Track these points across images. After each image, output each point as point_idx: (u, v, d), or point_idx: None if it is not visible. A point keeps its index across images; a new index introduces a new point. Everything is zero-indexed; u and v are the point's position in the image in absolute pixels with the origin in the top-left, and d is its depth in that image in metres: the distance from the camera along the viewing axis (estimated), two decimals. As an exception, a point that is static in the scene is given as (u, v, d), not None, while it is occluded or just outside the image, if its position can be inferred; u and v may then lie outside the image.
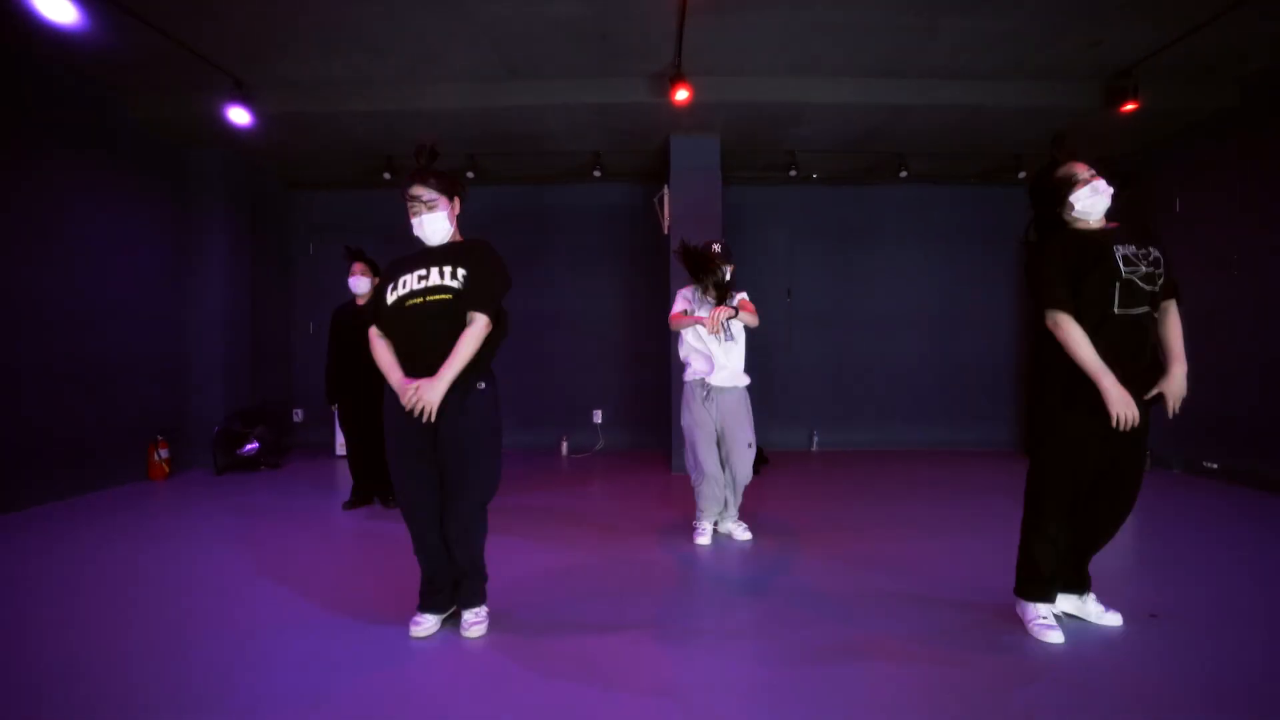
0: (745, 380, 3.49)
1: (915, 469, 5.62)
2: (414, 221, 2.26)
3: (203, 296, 5.72)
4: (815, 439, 6.64)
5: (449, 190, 2.31)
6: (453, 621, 2.40)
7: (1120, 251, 2.10)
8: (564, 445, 6.50)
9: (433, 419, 2.11)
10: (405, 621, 2.35)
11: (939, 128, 5.41)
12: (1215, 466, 5.07)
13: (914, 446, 6.70)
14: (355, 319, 3.99)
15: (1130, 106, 4.62)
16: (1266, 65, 4.56)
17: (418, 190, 2.25)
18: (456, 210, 2.36)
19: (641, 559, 3.20)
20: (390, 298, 2.21)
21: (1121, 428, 2.07)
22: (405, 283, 2.21)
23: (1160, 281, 2.12)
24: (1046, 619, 2.29)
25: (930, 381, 6.77)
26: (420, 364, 2.16)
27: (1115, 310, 2.08)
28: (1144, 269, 2.09)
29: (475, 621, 2.33)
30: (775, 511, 4.09)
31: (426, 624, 2.32)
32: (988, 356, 6.78)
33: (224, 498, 4.62)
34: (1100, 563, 2.52)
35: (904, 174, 5.99)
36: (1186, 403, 2.17)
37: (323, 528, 3.81)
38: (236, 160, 5.93)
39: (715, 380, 3.39)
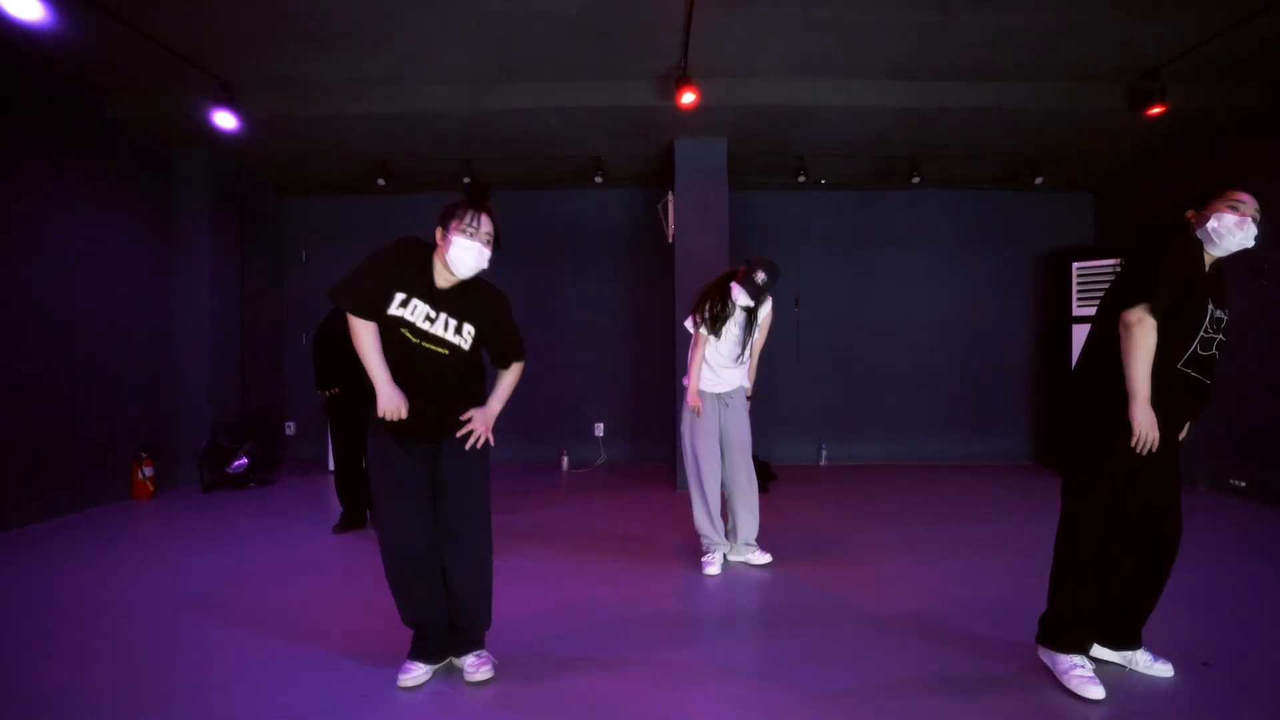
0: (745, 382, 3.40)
1: (929, 485, 5.40)
2: (459, 241, 1.98)
3: (189, 305, 5.51)
4: (824, 453, 6.42)
5: (497, 243, 2.12)
6: (445, 669, 2.19)
7: (1212, 311, 2.00)
8: (564, 459, 6.29)
9: (489, 442, 2.14)
10: (395, 663, 2.14)
11: (954, 130, 5.20)
12: (1243, 485, 4.87)
13: (926, 460, 6.48)
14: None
15: (1157, 110, 4.42)
16: (1299, 65, 4.36)
17: (487, 224, 2.04)
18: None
19: (652, 590, 2.99)
20: (394, 307, 2.01)
21: (1139, 450, 1.93)
22: (414, 308, 2.02)
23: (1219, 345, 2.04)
24: (1085, 670, 2.05)
25: (943, 392, 6.56)
26: (412, 411, 2.03)
27: (1190, 362, 2.01)
28: (1217, 336, 2.02)
29: (481, 664, 2.14)
30: (786, 532, 3.87)
31: (417, 673, 2.11)
32: (1002, 367, 6.57)
33: (209, 518, 4.40)
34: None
35: (916, 179, 5.78)
36: (1212, 416, 2.02)
37: (310, 552, 3.60)
38: (224, 164, 5.73)
39: (717, 390, 3.32)
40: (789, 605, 2.81)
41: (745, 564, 3.33)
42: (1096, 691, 1.98)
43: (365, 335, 2.01)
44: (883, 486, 5.35)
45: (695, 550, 3.46)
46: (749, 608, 2.82)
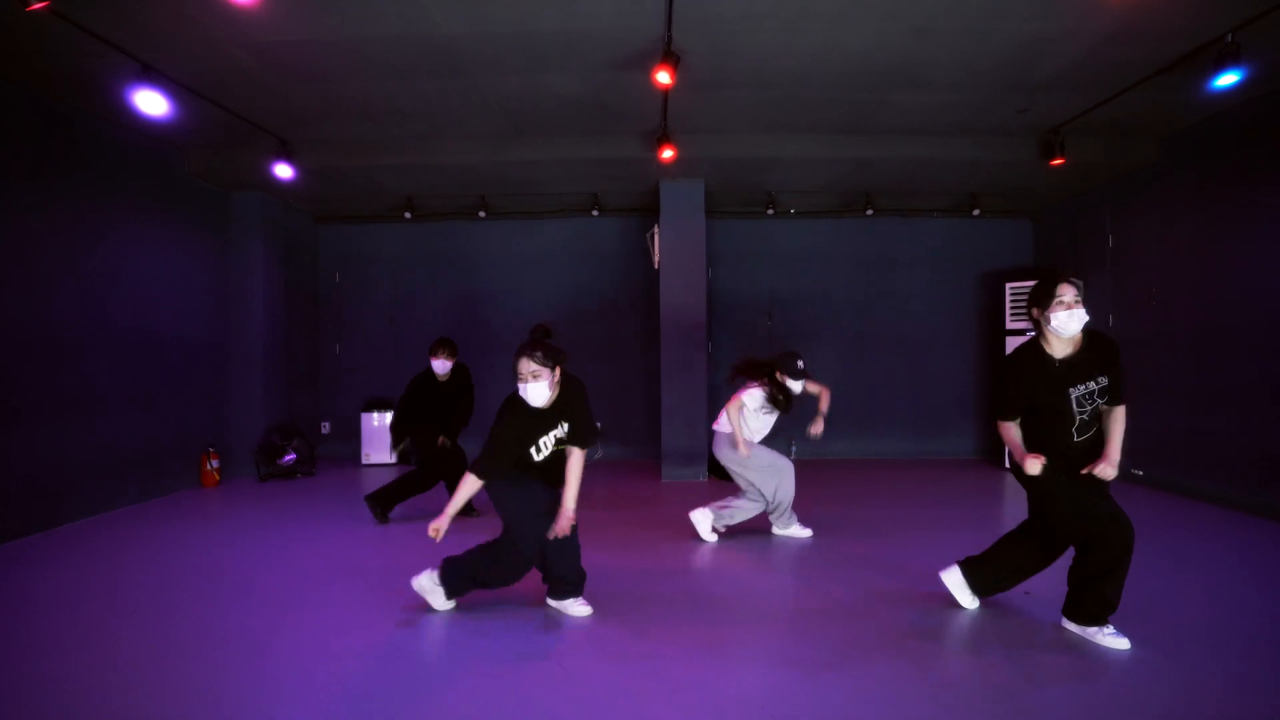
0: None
1: (893, 476, 6.31)
2: (521, 389, 2.73)
3: (244, 323, 6.42)
4: (793, 449, 7.33)
5: (555, 356, 2.79)
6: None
7: (1074, 394, 2.53)
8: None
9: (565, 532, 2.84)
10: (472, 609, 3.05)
11: (900, 174, 6.11)
12: (1141, 474, 5.77)
13: (887, 456, 7.39)
14: (433, 388, 4.69)
15: (1058, 161, 5.32)
16: (1179, 128, 5.25)
17: (525, 366, 2.72)
18: (557, 378, 2.80)
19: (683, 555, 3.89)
20: (536, 456, 2.83)
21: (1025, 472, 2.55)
22: (545, 444, 2.84)
23: (1105, 400, 2.57)
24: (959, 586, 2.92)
25: (898, 397, 7.46)
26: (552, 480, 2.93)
27: (1074, 441, 2.59)
28: (1090, 407, 2.55)
29: (584, 604, 3.02)
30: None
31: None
32: (953, 374, 7.47)
33: (271, 502, 5.31)
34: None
35: (870, 211, 6.69)
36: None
37: (363, 528, 4.50)
38: (274, 201, 6.63)
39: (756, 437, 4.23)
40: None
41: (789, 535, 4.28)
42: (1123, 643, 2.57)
43: (467, 488, 2.82)
44: (852, 478, 6.26)
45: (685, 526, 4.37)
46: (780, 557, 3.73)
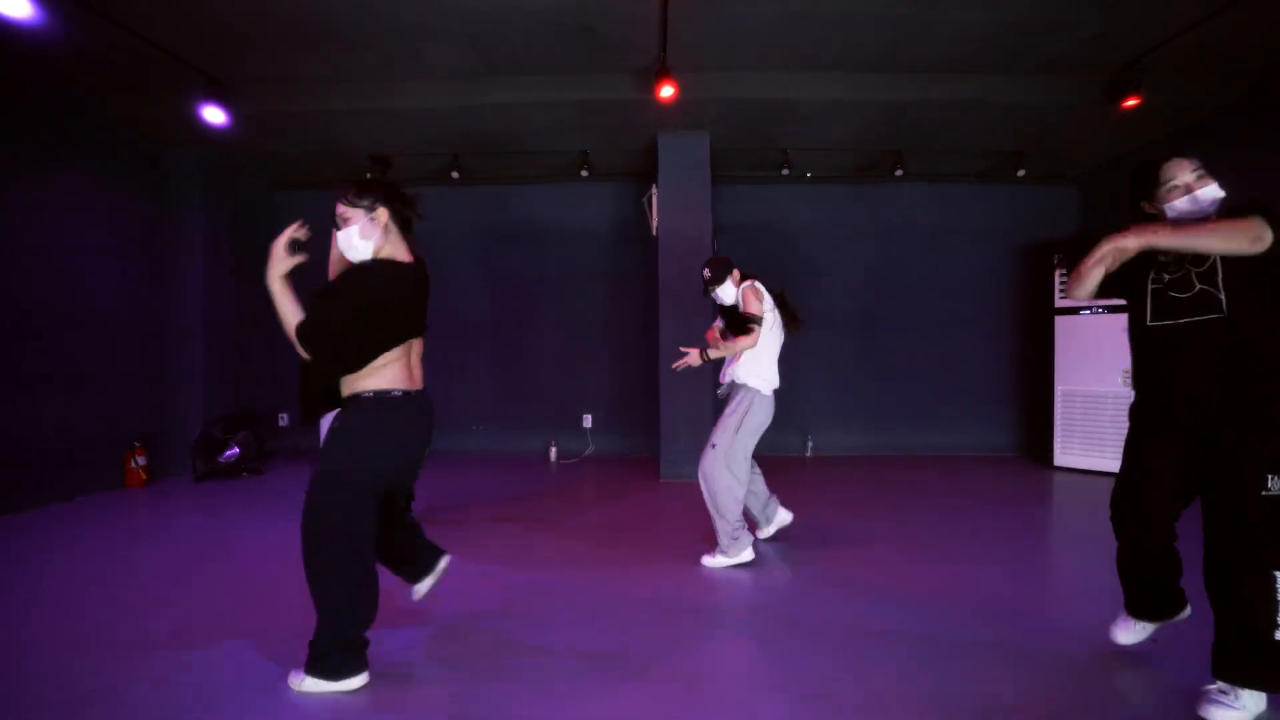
0: (743, 378, 3.32)
1: (917, 476, 5.47)
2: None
3: (182, 298, 5.61)
4: (810, 444, 6.49)
5: (367, 200, 2.14)
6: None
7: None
8: (553, 450, 6.37)
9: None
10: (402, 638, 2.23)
11: (936, 124, 5.24)
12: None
13: (910, 452, 6.55)
14: None
15: (1132, 102, 4.45)
16: (1277, 61, 4.39)
17: (338, 209, 2.16)
18: (382, 221, 2.15)
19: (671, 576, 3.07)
20: None
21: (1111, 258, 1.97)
22: None
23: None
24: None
25: (926, 385, 6.61)
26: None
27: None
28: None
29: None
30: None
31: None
32: (987, 359, 6.62)
33: (199, 505, 4.50)
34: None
35: (899, 172, 5.83)
36: None
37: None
38: (218, 161, 5.81)
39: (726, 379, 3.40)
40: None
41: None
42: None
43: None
44: (872, 478, 5.42)
45: (686, 538, 3.54)
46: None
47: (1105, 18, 3.93)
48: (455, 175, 5.93)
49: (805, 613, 2.62)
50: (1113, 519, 2.12)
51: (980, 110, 4.94)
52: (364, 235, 2.11)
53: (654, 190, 5.53)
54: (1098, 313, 5.50)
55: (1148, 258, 2.02)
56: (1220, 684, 1.86)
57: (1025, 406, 6.58)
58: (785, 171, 5.89)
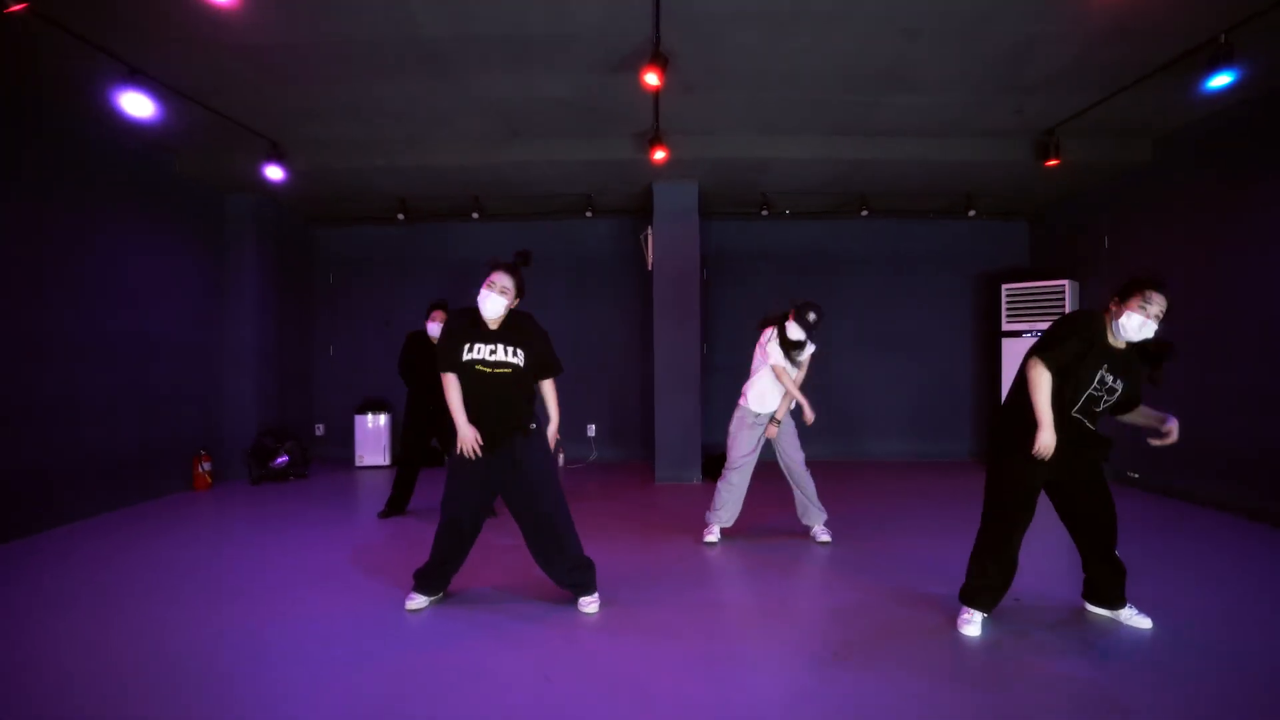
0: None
1: (888, 478, 6.28)
2: (481, 294, 2.87)
3: (237, 325, 6.41)
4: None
5: (520, 289, 2.96)
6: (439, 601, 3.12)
7: (1097, 375, 2.59)
8: (560, 457, 7.18)
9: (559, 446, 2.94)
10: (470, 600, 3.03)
11: (895, 175, 6.07)
12: (1136, 476, 5.73)
13: (881, 458, 7.36)
14: (428, 350, 4.54)
15: (1053, 162, 5.28)
16: (1172, 127, 5.22)
17: (500, 278, 2.88)
18: (513, 303, 2.95)
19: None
20: (465, 355, 2.87)
21: (1039, 456, 2.57)
22: (478, 349, 2.88)
23: (1107, 403, 2.66)
24: (970, 617, 2.76)
25: (892, 399, 7.43)
26: (484, 417, 2.88)
27: (1069, 415, 2.65)
28: (1100, 397, 2.62)
29: (590, 602, 3.03)
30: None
31: (419, 601, 3.04)
32: (949, 376, 7.43)
33: (263, 505, 5.29)
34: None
35: (865, 212, 6.66)
36: (1110, 424, 2.80)
37: (358, 530, 4.49)
38: (266, 203, 6.61)
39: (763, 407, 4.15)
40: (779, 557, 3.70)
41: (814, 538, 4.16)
42: (973, 630, 2.73)
43: (451, 388, 2.90)
44: (845, 479, 6.23)
45: (677, 527, 4.34)
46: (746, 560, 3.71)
47: (1020, 100, 4.76)
48: (475, 216, 6.75)
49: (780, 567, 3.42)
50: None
51: (929, 166, 5.77)
52: (507, 307, 2.92)
53: (649, 230, 6.35)
54: (1037, 335, 6.30)
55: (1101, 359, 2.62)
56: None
57: (979, 417, 7.40)
58: (765, 212, 6.71)
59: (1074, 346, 2.56)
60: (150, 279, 5.51)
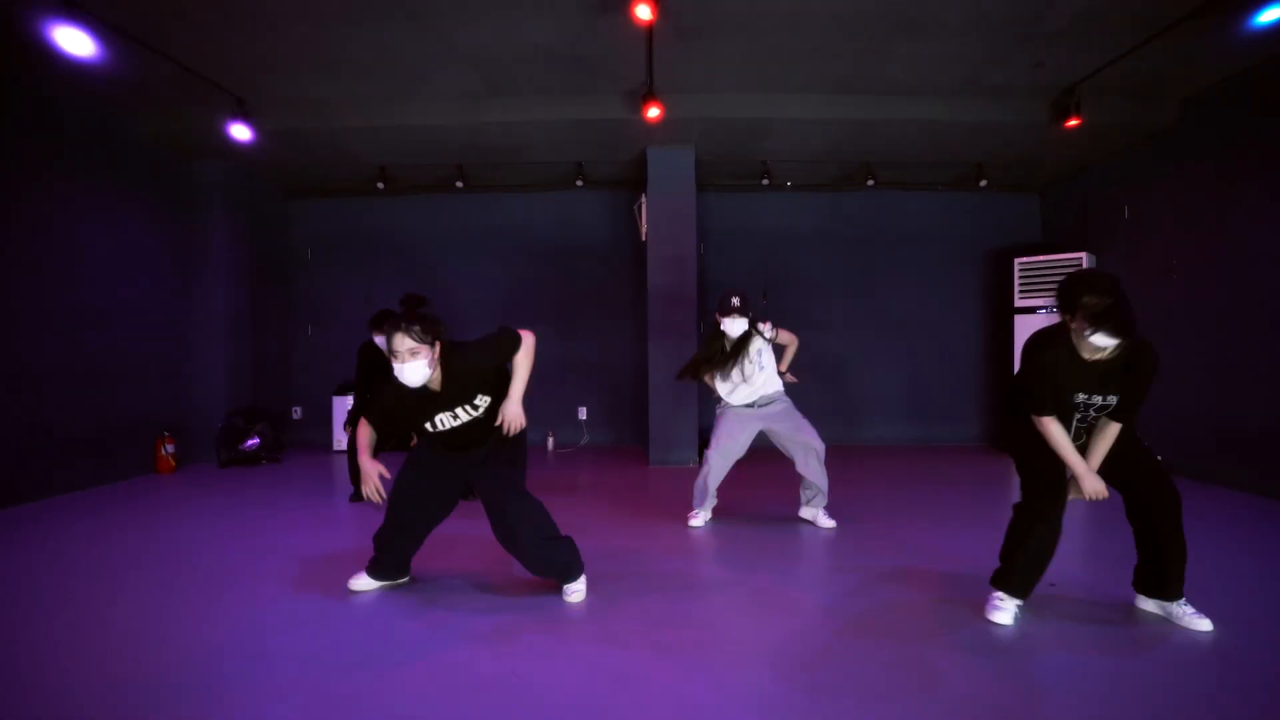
0: (776, 388, 3.83)
1: (893, 462, 5.95)
2: (397, 369, 2.36)
3: (206, 300, 6.05)
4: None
5: (435, 331, 2.42)
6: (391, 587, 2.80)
7: (1077, 399, 2.32)
8: (550, 440, 6.83)
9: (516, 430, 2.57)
10: (432, 598, 2.69)
11: (902, 140, 5.72)
12: (1160, 458, 5.39)
13: (886, 443, 7.03)
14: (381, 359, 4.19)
15: (1073, 122, 4.93)
16: (1200, 87, 4.87)
17: (400, 342, 2.33)
18: (437, 355, 2.42)
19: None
20: (425, 425, 2.54)
21: (1092, 499, 2.34)
22: (442, 421, 2.52)
23: (1099, 415, 2.36)
24: (1003, 601, 2.44)
25: (899, 380, 7.09)
26: (465, 450, 2.65)
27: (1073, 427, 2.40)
28: (1086, 416, 2.36)
29: (574, 589, 2.69)
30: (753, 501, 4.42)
31: (364, 581, 2.78)
32: (956, 356, 7.10)
33: (229, 490, 4.94)
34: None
35: (871, 182, 6.31)
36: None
37: (325, 516, 4.14)
38: (238, 171, 6.25)
39: (735, 400, 3.78)
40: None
41: (813, 522, 3.83)
42: (1005, 618, 2.39)
43: (364, 431, 2.57)
44: (852, 464, 5.89)
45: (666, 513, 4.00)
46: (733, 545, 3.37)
47: (1041, 50, 4.41)
48: (460, 185, 6.39)
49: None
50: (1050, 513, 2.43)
51: (938, 128, 5.42)
52: (430, 366, 2.41)
53: (643, 199, 5.99)
54: (1052, 312, 5.96)
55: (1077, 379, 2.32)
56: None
57: (990, 399, 7.06)
58: (765, 182, 6.36)
59: (1049, 388, 2.31)
60: (109, 246, 5.15)
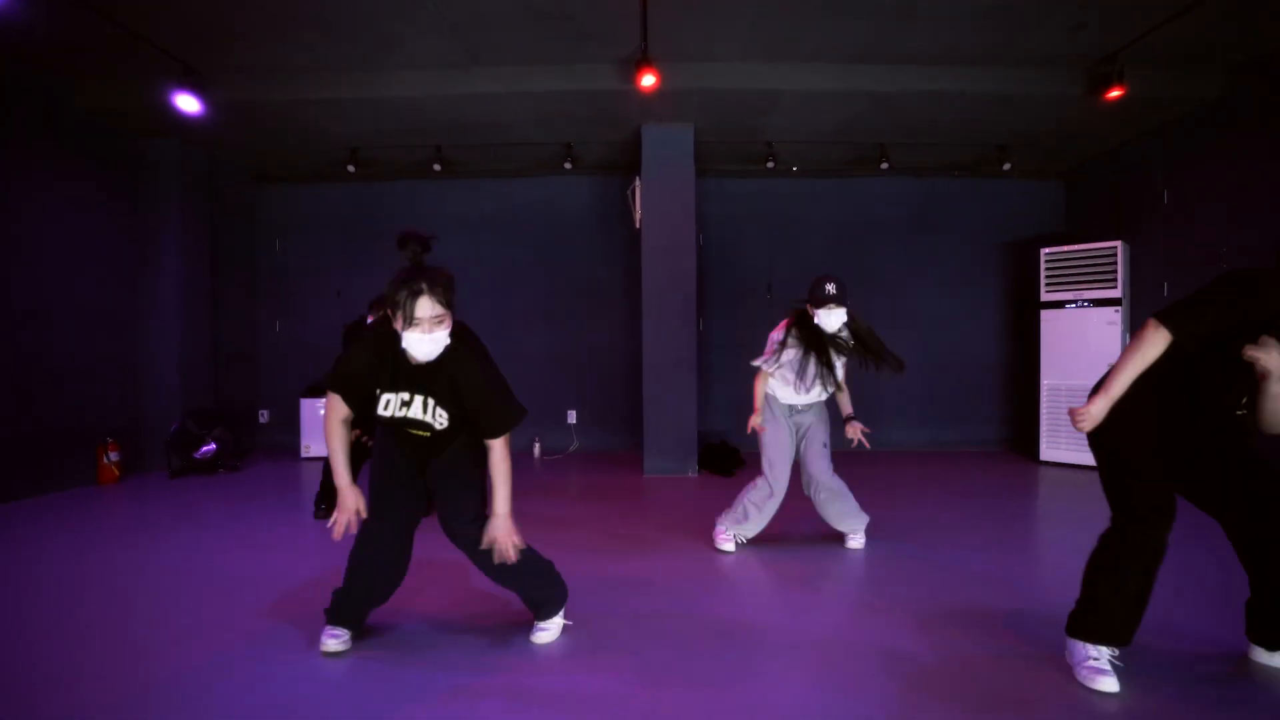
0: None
1: (914, 469, 5.44)
2: (409, 337, 1.90)
3: (158, 292, 5.51)
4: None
5: (451, 296, 2.00)
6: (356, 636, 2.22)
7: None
8: (536, 446, 6.31)
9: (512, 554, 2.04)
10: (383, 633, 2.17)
11: (921, 115, 5.22)
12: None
13: (901, 447, 6.53)
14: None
15: (1115, 93, 4.45)
16: (1255, 54, 4.40)
17: (427, 308, 1.90)
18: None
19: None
20: (379, 406, 2.02)
21: (1080, 428, 1.90)
22: (389, 402, 2.01)
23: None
24: (1099, 660, 1.90)
25: (914, 380, 6.59)
26: (409, 455, 2.13)
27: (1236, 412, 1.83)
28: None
29: (540, 630, 2.23)
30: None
31: (340, 639, 2.14)
32: (975, 354, 6.62)
33: (174, 502, 4.41)
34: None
35: (885, 165, 5.82)
36: None
37: (283, 532, 3.62)
38: (195, 153, 5.72)
39: (784, 398, 3.30)
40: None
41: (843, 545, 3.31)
42: (1109, 684, 1.85)
43: (334, 428, 2.05)
44: (864, 472, 5.39)
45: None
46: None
47: (1085, 9, 3.92)
48: (438, 168, 5.88)
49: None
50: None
51: (962, 102, 4.93)
52: (450, 335, 1.98)
53: (637, 183, 5.49)
54: (1083, 306, 5.50)
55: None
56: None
57: (1012, 400, 6.58)
58: (770, 164, 5.86)
59: (1230, 320, 1.73)
60: (46, 230, 4.62)
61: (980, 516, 3.90)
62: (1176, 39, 4.20)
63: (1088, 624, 1.92)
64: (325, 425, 2.07)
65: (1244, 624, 2.03)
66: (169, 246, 5.55)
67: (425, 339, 1.90)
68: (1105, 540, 1.94)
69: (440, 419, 2.01)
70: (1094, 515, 2.17)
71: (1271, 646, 1.99)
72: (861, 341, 3.20)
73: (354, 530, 2.05)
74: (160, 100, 4.66)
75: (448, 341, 1.95)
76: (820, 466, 3.23)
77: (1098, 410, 1.86)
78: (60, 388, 4.72)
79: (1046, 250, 5.78)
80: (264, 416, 6.68)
